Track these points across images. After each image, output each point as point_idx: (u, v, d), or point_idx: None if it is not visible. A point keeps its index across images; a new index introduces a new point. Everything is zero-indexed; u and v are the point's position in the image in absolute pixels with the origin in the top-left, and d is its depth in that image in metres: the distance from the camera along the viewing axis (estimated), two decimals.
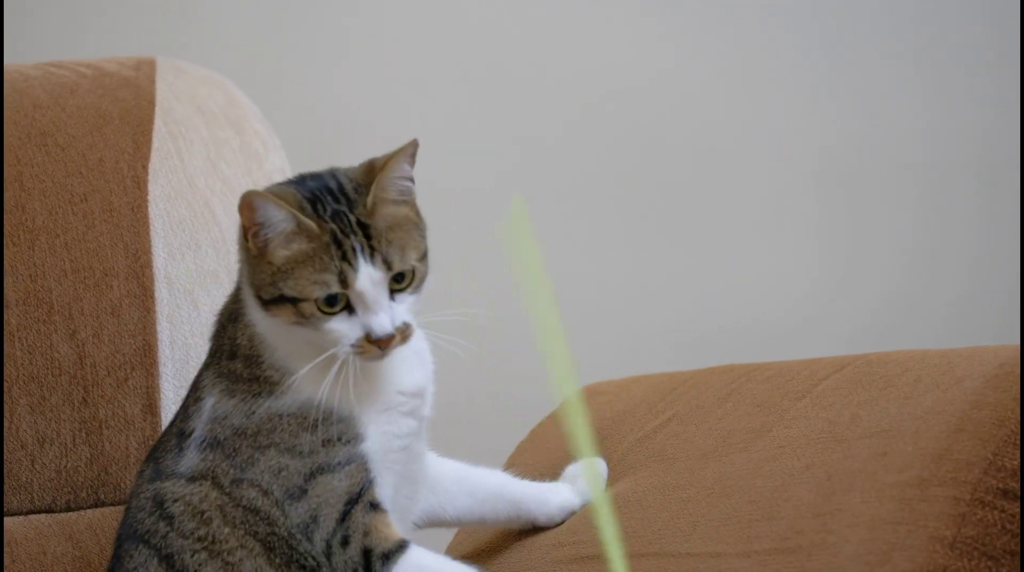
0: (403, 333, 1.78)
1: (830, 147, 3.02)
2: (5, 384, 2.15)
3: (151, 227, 2.23)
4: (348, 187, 1.80)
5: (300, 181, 1.83)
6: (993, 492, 1.62)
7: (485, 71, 2.98)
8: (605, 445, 2.03)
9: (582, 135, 3.00)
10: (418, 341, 1.84)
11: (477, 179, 2.99)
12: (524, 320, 2.99)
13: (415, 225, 1.81)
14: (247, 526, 1.79)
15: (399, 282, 1.78)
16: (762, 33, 3.00)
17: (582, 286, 3.01)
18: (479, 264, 2.97)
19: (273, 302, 1.78)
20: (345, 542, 1.78)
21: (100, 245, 2.21)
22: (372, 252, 1.77)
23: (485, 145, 2.99)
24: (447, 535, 2.10)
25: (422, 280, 1.80)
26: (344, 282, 1.76)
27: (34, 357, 2.17)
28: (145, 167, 2.26)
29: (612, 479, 1.98)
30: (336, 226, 1.77)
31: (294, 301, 1.77)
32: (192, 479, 1.81)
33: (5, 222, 2.20)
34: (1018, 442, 1.65)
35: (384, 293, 1.77)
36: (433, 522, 1.95)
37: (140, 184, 2.25)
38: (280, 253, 1.77)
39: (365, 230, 1.77)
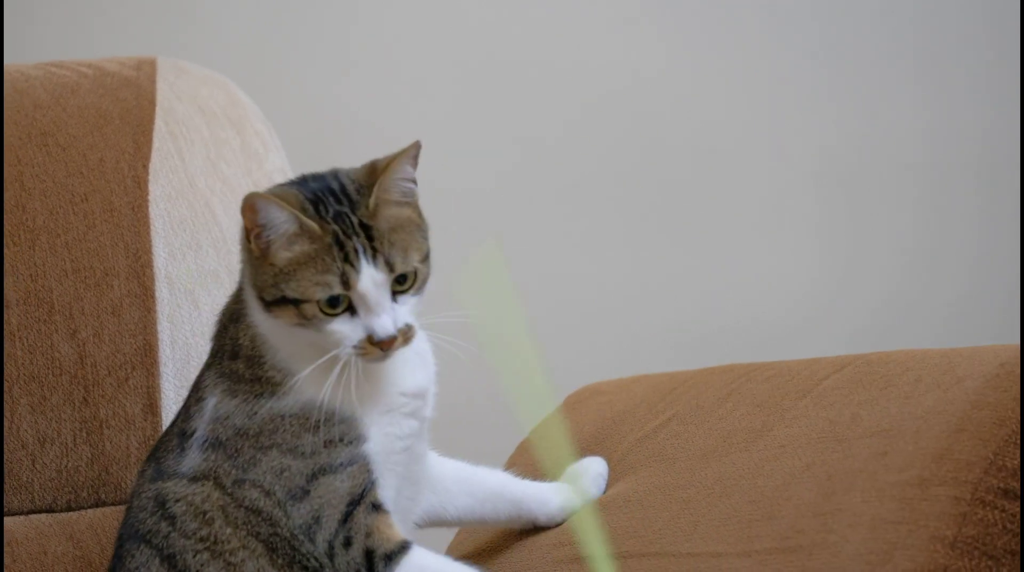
0: (405, 334, 1.78)
1: (830, 147, 3.02)
2: (6, 384, 2.15)
3: (152, 227, 2.23)
4: (350, 188, 1.80)
5: (302, 182, 1.83)
6: (994, 492, 1.63)
7: (485, 71, 2.98)
8: (605, 445, 2.03)
9: (582, 135, 3.00)
10: (420, 342, 1.84)
11: (478, 179, 2.99)
12: (529, 322, 2.99)
13: (417, 226, 1.81)
14: (249, 527, 1.80)
15: (401, 283, 1.78)
16: (762, 33, 3.00)
17: (582, 286, 3.01)
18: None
19: (275, 303, 1.78)
20: (347, 543, 1.78)
21: (101, 245, 2.21)
22: (374, 253, 1.77)
23: (485, 145, 3.00)
24: (448, 535, 2.10)
25: (424, 281, 1.81)
26: (346, 283, 1.76)
27: (35, 357, 2.17)
28: (146, 167, 2.26)
29: (613, 479, 1.98)
30: (338, 227, 1.77)
31: (296, 302, 1.77)
32: (194, 479, 1.81)
33: (6, 222, 2.20)
34: (1019, 442, 1.65)
35: (386, 295, 1.77)
36: (434, 522, 1.95)
37: (141, 184, 2.25)
38: (282, 254, 1.77)
39: (367, 231, 1.77)
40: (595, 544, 1.17)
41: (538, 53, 2.98)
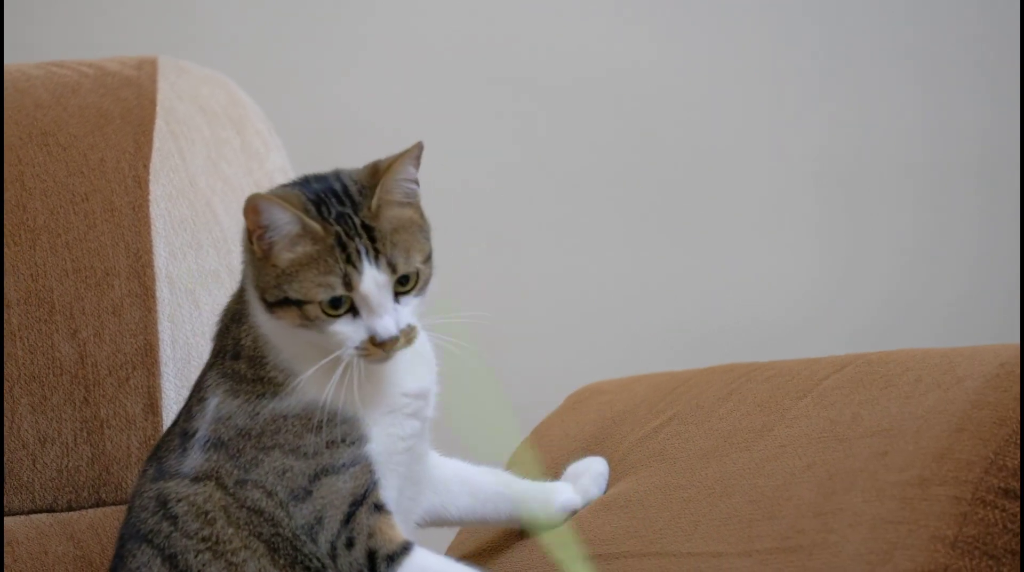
0: (407, 335, 1.78)
1: (830, 147, 3.02)
2: (6, 383, 2.15)
3: (152, 227, 2.23)
4: (353, 189, 1.80)
5: (304, 183, 1.83)
6: (994, 491, 1.63)
7: (486, 71, 2.98)
8: (606, 444, 2.03)
9: (582, 135, 3.00)
10: (421, 342, 1.84)
11: (478, 179, 2.99)
12: (526, 321, 2.99)
13: (419, 227, 1.81)
14: (251, 527, 1.79)
15: (403, 284, 1.78)
16: (763, 33, 3.00)
17: (582, 286, 3.01)
18: (480, 265, 2.97)
19: (278, 304, 1.78)
20: (350, 544, 1.78)
21: (101, 244, 2.21)
22: (376, 254, 1.77)
23: (486, 145, 3.00)
24: (449, 534, 2.10)
25: (426, 282, 1.81)
26: (348, 285, 1.76)
27: (35, 357, 2.17)
28: (146, 166, 2.26)
29: (613, 478, 1.98)
30: (341, 228, 1.77)
31: (298, 304, 1.77)
32: (196, 479, 1.81)
33: (6, 221, 2.20)
34: (1019, 441, 1.65)
35: (388, 296, 1.77)
36: (435, 521, 1.95)
37: (141, 184, 2.25)
38: (285, 256, 1.77)
39: (370, 232, 1.77)
40: (569, 551, 1.17)
41: (539, 53, 2.99)
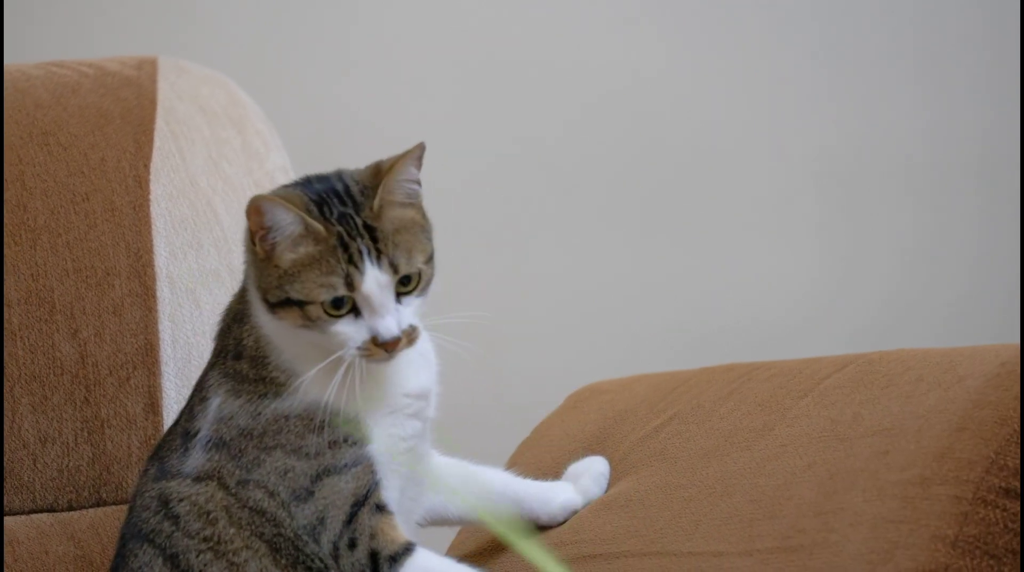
0: (409, 336, 1.78)
1: (830, 147, 3.02)
2: (7, 383, 2.15)
3: (153, 226, 2.23)
4: (354, 189, 1.80)
5: (306, 183, 1.83)
6: (995, 491, 1.63)
7: (486, 71, 2.98)
8: (607, 444, 2.03)
9: (583, 135, 3.00)
10: (423, 342, 1.83)
11: (478, 179, 2.99)
12: (526, 321, 2.99)
13: (421, 228, 1.81)
14: (253, 527, 1.79)
15: (405, 285, 1.78)
16: (763, 33, 3.00)
17: (582, 286, 3.01)
18: (480, 265, 2.97)
19: (280, 305, 1.78)
20: (352, 544, 1.78)
21: (102, 244, 2.21)
22: (378, 255, 1.77)
23: (486, 145, 3.00)
24: (449, 534, 2.10)
25: (428, 282, 1.81)
26: (350, 285, 1.76)
27: (36, 356, 2.17)
28: (147, 166, 2.26)
29: (614, 478, 1.98)
30: (343, 229, 1.77)
31: (300, 304, 1.77)
32: (198, 479, 1.81)
33: (7, 221, 2.20)
34: (1020, 441, 1.65)
35: (390, 296, 1.77)
36: (436, 521, 1.95)
37: (142, 183, 2.25)
38: (287, 256, 1.77)
39: (371, 233, 1.77)
40: (540, 557, 1.17)
41: (538, 53, 2.99)
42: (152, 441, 2.15)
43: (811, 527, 1.70)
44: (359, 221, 1.77)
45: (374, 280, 1.76)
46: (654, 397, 2.05)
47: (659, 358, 2.95)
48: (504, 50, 2.98)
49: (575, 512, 1.96)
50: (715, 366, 2.07)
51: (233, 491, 1.80)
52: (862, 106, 3.01)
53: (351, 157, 1.96)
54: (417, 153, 1.80)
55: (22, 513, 2.16)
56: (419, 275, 1.79)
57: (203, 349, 2.18)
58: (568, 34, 2.99)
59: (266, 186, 2.28)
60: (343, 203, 1.78)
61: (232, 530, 1.80)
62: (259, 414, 1.80)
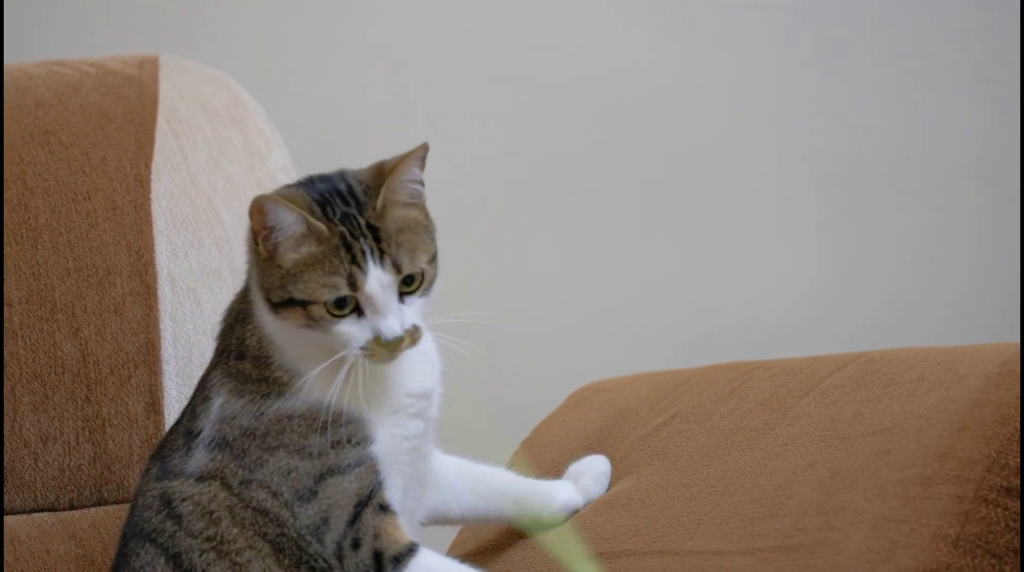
0: (412, 336, 1.78)
1: (830, 147, 3.02)
2: (8, 382, 2.15)
3: (154, 225, 2.23)
4: (358, 189, 1.80)
5: (309, 183, 1.83)
6: (996, 490, 1.63)
7: (490, 72, 2.98)
8: (608, 443, 2.03)
9: (583, 135, 3.00)
10: (425, 342, 1.83)
11: (480, 179, 2.99)
12: (526, 321, 2.99)
13: (424, 228, 1.81)
14: (256, 527, 1.79)
15: (408, 285, 1.78)
16: (763, 33, 3.00)
17: (582, 286, 3.01)
18: (481, 265, 2.97)
19: (282, 305, 1.78)
20: (356, 544, 1.78)
21: (103, 243, 2.21)
22: (381, 255, 1.77)
23: (488, 145, 3.00)
24: (451, 533, 2.10)
25: (431, 283, 1.80)
26: (353, 285, 1.76)
27: (37, 355, 2.17)
28: (148, 165, 2.26)
29: (615, 477, 1.98)
30: (345, 229, 1.77)
31: (303, 304, 1.77)
32: (201, 479, 1.81)
33: (8, 220, 2.20)
34: (1021, 439, 1.65)
35: (393, 296, 1.77)
36: (437, 520, 1.95)
37: (143, 182, 2.25)
38: (290, 256, 1.77)
39: (375, 233, 1.77)
40: (573, 551, 1.17)
41: (540, 53, 2.99)
42: (153, 440, 2.15)
43: (812, 526, 1.70)
44: (362, 221, 1.77)
45: (377, 280, 1.76)
46: (655, 396, 2.05)
47: (659, 358, 2.95)
48: (508, 52, 2.98)
49: (576, 511, 1.96)
50: (716, 365, 2.07)
51: (236, 491, 1.80)
52: (862, 106, 3.01)
53: (352, 157, 1.96)
54: (420, 153, 1.80)
55: (23, 512, 2.16)
56: (422, 275, 1.79)
57: (204, 348, 2.18)
58: (569, 35, 2.99)
59: (267, 185, 2.28)
60: (346, 203, 1.78)
61: (235, 530, 1.80)
62: (262, 414, 1.80)
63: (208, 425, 1.82)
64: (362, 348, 1.76)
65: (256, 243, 1.80)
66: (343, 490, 1.78)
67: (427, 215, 1.83)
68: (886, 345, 1.98)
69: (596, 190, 3.01)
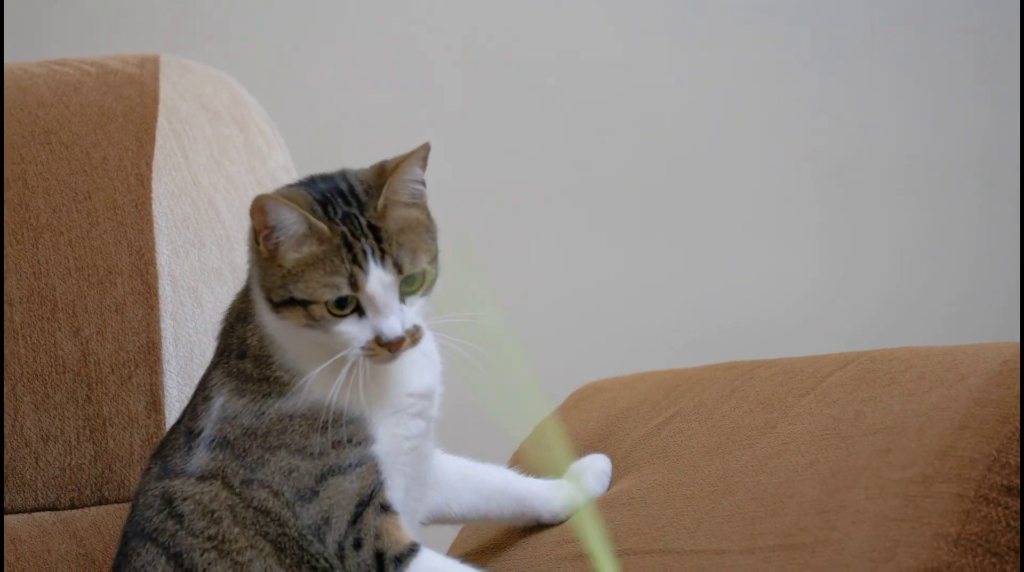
0: (413, 336, 1.78)
1: (830, 147, 3.02)
2: (9, 382, 2.15)
3: (155, 225, 2.23)
4: (359, 189, 1.80)
5: (310, 183, 1.83)
6: (997, 489, 1.63)
7: (490, 71, 2.98)
8: (609, 442, 2.04)
9: (583, 135, 3.01)
10: (426, 342, 1.83)
11: (481, 179, 2.99)
12: (526, 321, 2.99)
13: (426, 228, 1.81)
14: (257, 526, 1.79)
15: (409, 285, 1.78)
16: (763, 33, 3.00)
17: (582, 286, 3.01)
18: (481, 265, 2.97)
19: (283, 304, 1.78)
20: (358, 544, 1.78)
21: (104, 242, 2.21)
22: (383, 255, 1.77)
23: (488, 145, 3.00)
24: (451, 532, 2.10)
25: (432, 283, 1.80)
26: (354, 285, 1.76)
27: (38, 355, 2.17)
28: (149, 165, 2.26)
29: (616, 476, 1.98)
30: (347, 229, 1.77)
31: (304, 304, 1.77)
32: (202, 478, 1.81)
33: (9, 219, 2.20)
34: (1021, 438, 1.65)
35: (394, 296, 1.77)
36: (438, 519, 1.95)
37: (144, 182, 2.25)
38: (291, 256, 1.77)
39: (376, 233, 1.77)
40: (597, 541, 1.17)
41: (541, 53, 2.99)
42: (154, 439, 2.16)
43: (813, 525, 1.70)
44: (363, 221, 1.77)
45: (378, 280, 1.76)
46: (656, 395, 2.05)
47: (659, 358, 2.95)
48: (507, 50, 2.99)
49: (577, 510, 1.96)
50: (717, 364, 2.07)
51: (237, 490, 1.80)
52: (862, 106, 3.01)
53: (353, 156, 1.96)
54: (422, 153, 1.80)
55: (24, 511, 2.16)
56: (423, 275, 1.79)
57: (205, 347, 2.18)
58: (570, 34, 2.99)
59: (268, 185, 2.28)
60: (347, 203, 1.78)
61: (236, 529, 1.80)
62: (263, 413, 1.80)
63: (209, 424, 1.82)
64: (363, 348, 1.76)
65: (257, 242, 1.80)
66: (344, 490, 1.78)
67: (428, 215, 1.83)
68: (886, 345, 1.98)
69: (596, 190, 3.01)
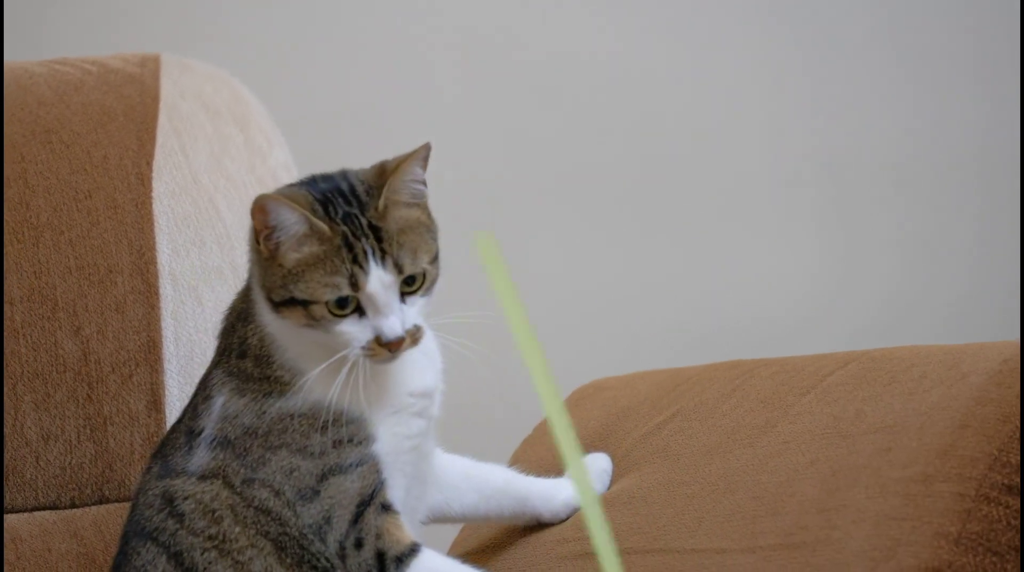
0: (413, 336, 1.78)
1: (830, 146, 3.02)
2: (9, 381, 2.15)
3: (155, 224, 2.23)
4: (359, 189, 1.80)
5: (311, 182, 1.83)
6: (998, 488, 1.63)
7: (490, 70, 2.98)
8: (609, 441, 2.03)
9: (583, 134, 3.00)
10: (427, 341, 1.83)
11: (481, 178, 2.99)
12: (529, 321, 2.99)
13: (427, 228, 1.81)
14: (258, 526, 1.79)
15: (410, 285, 1.78)
16: (762, 31, 3.00)
17: (583, 285, 3.01)
18: (480, 265, 2.96)
19: (284, 304, 1.78)
20: (359, 544, 1.78)
21: (104, 242, 2.21)
22: (383, 255, 1.76)
23: (489, 144, 3.00)
24: (452, 531, 2.10)
25: (433, 283, 1.80)
26: (355, 285, 1.76)
27: (38, 354, 2.17)
28: (149, 164, 2.26)
29: (617, 475, 1.98)
30: (347, 228, 1.76)
31: (305, 303, 1.77)
32: (203, 477, 1.81)
33: (9, 219, 2.20)
34: (1022, 437, 1.65)
35: (395, 296, 1.77)
36: (439, 518, 1.95)
37: (144, 181, 2.25)
38: (291, 256, 1.77)
39: (376, 233, 1.77)
40: (602, 539, 1.17)
41: (541, 53, 2.99)
42: (155, 438, 2.15)
43: (814, 524, 1.70)
44: (364, 221, 1.77)
45: (378, 280, 1.76)
46: (657, 394, 2.05)
47: (659, 358, 2.95)
48: (507, 50, 2.98)
49: (578, 509, 1.96)
50: (718, 363, 2.07)
51: (238, 490, 1.80)
52: (862, 105, 3.01)
53: (354, 156, 1.96)
54: (423, 153, 1.80)
55: (25, 511, 2.16)
56: (424, 275, 1.79)
57: (206, 346, 2.18)
58: (570, 33, 2.99)
59: (269, 184, 2.28)
60: (348, 203, 1.78)
61: (237, 529, 1.79)
62: (264, 413, 1.80)
63: (210, 424, 1.82)
64: (363, 348, 1.76)
65: (258, 242, 1.79)
66: (345, 489, 1.78)
67: (429, 215, 1.82)
68: (886, 344, 1.98)
69: (596, 190, 3.01)
